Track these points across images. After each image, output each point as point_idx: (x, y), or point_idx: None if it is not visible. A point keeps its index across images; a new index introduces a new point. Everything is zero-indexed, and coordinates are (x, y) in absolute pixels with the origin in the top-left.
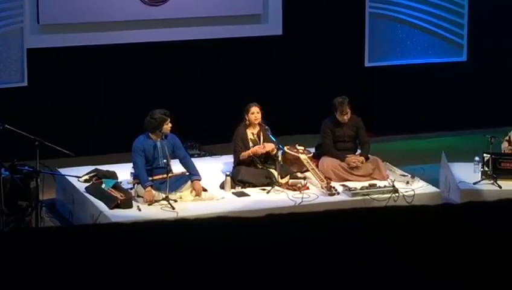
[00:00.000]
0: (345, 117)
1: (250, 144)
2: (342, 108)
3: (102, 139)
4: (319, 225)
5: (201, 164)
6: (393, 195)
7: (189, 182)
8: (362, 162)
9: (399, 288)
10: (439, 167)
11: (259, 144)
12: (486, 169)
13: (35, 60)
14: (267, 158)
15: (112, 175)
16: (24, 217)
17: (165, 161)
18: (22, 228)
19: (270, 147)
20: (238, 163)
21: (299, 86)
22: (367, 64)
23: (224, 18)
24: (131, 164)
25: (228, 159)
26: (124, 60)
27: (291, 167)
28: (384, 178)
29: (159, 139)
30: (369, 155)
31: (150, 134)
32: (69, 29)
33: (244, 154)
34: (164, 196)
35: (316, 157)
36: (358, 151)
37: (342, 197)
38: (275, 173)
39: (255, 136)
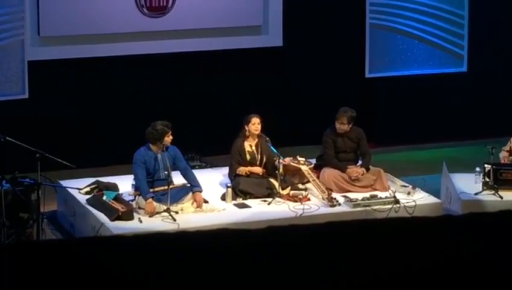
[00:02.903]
0: (340, 126)
1: (248, 156)
2: (339, 116)
3: (103, 151)
4: (320, 236)
5: (202, 176)
6: (395, 206)
7: (190, 194)
8: (363, 174)
9: None
10: (440, 177)
11: (257, 156)
12: (487, 180)
13: (36, 72)
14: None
15: (113, 187)
16: (25, 229)
17: (166, 172)
18: (23, 240)
19: (258, 170)
20: (234, 176)
21: (300, 96)
22: (367, 75)
23: (225, 29)
24: (132, 176)
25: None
26: (125, 72)
27: (292, 178)
28: (385, 189)
29: (159, 151)
30: (371, 166)
31: (150, 146)
32: (69, 41)
33: (241, 171)
34: (165, 207)
35: (317, 168)
36: (360, 162)
37: (343, 208)
38: (276, 184)
39: (253, 148)
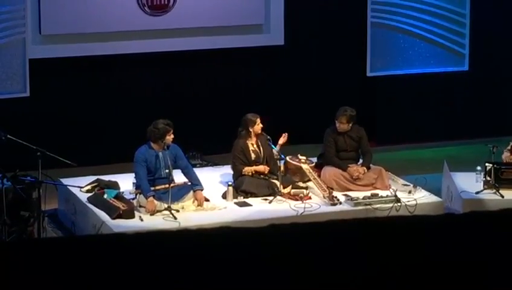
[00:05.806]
0: (340, 126)
1: (253, 155)
2: (338, 115)
3: (104, 150)
4: (321, 234)
5: (203, 174)
6: (396, 205)
7: (191, 192)
8: (364, 173)
9: None
10: (441, 176)
11: (260, 154)
12: (488, 179)
13: (38, 70)
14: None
15: (114, 185)
16: (26, 227)
17: (167, 171)
18: (24, 238)
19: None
20: (238, 176)
21: (301, 95)
22: (369, 74)
23: (226, 28)
24: (133, 174)
25: (230, 169)
26: (126, 70)
27: (294, 176)
28: (386, 188)
29: (161, 150)
30: (372, 165)
31: (152, 144)
32: (71, 39)
33: (247, 171)
34: (166, 206)
35: (318, 167)
36: (361, 161)
37: (344, 206)
38: (277, 183)
39: (255, 146)
